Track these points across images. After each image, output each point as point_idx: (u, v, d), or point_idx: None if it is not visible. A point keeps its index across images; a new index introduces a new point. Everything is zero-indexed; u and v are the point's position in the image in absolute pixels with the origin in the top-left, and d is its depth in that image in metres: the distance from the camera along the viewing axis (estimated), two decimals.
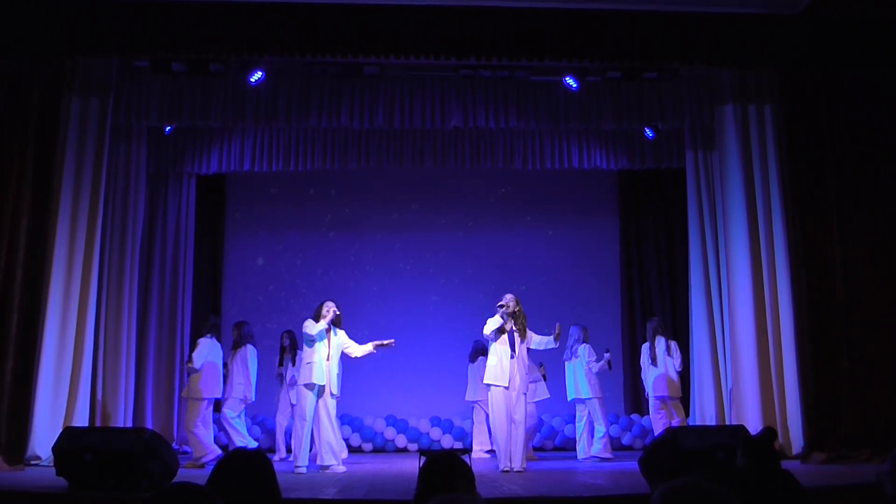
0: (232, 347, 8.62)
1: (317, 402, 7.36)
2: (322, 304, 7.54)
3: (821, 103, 8.06)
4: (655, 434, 8.55)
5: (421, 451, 7.98)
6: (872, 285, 7.76)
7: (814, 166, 7.98)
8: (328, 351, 7.45)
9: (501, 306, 7.46)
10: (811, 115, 8.05)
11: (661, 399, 8.68)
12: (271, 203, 11.43)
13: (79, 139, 8.04)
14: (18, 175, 7.50)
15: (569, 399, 8.97)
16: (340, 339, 7.61)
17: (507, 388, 7.32)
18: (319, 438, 7.42)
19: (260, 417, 10.18)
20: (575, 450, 9.25)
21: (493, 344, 7.48)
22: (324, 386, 7.36)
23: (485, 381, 7.55)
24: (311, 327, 7.42)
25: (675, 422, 8.53)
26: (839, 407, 7.58)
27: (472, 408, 9.71)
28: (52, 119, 7.69)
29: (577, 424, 9.11)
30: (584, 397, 8.80)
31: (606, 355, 8.84)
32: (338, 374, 7.53)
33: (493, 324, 7.45)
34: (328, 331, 7.50)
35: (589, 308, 11.12)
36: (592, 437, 8.89)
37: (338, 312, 7.52)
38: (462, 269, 11.38)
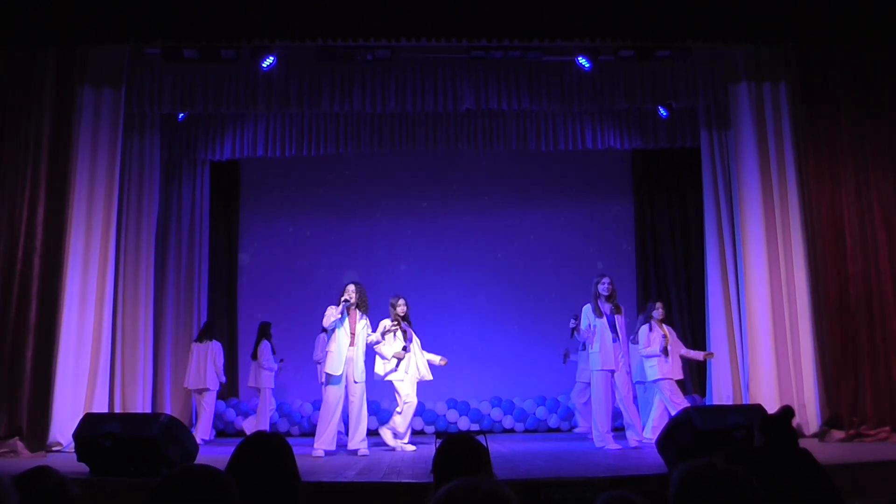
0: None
1: (345, 389, 7.35)
2: (344, 289, 7.49)
3: (837, 80, 7.95)
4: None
5: (437, 434, 7.96)
6: (891, 263, 7.69)
7: (830, 143, 7.89)
8: (350, 338, 7.40)
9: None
10: (827, 92, 7.95)
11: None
12: (285, 188, 11.44)
13: (93, 128, 8.06)
14: (34, 166, 7.54)
15: (649, 379, 8.28)
16: (366, 324, 7.54)
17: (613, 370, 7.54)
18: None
19: (277, 403, 10.24)
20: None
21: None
22: (341, 375, 7.32)
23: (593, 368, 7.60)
24: (326, 317, 7.40)
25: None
26: (857, 385, 7.54)
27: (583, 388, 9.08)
28: (65, 109, 7.70)
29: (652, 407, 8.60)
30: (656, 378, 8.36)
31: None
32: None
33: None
34: (350, 315, 7.42)
35: None
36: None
37: (351, 297, 7.39)
38: (476, 252, 11.35)
